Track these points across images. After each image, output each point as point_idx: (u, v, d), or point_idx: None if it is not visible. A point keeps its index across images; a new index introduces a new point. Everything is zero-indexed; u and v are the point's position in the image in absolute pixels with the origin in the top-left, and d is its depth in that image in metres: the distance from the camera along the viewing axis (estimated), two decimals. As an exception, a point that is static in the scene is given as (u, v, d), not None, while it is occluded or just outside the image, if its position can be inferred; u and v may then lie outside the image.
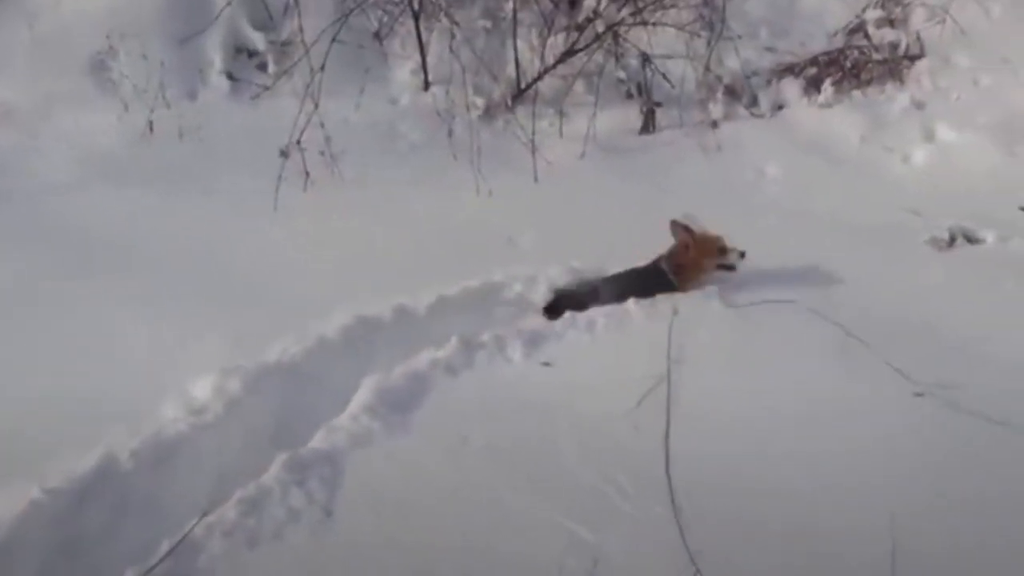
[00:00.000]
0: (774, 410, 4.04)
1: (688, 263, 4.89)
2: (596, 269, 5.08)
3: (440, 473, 3.71)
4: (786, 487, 3.59)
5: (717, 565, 3.23)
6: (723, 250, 4.85)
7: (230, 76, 7.22)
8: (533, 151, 6.25)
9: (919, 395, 4.13)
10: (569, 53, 7.08)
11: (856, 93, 7.16)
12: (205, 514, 3.38)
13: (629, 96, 7.26)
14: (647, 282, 4.86)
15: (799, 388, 4.18)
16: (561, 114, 6.94)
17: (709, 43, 7.13)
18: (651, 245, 5.31)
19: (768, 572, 3.26)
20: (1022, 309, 4.95)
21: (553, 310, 4.85)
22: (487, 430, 3.95)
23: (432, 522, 3.46)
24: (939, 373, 4.20)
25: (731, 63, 7.28)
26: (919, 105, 6.98)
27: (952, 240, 5.68)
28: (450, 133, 6.45)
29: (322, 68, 5.92)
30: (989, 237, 5.73)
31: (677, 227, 4.86)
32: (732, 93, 7.19)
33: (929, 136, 6.76)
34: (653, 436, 3.90)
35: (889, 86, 7.17)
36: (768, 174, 6.47)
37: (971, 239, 5.71)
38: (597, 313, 4.78)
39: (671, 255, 4.90)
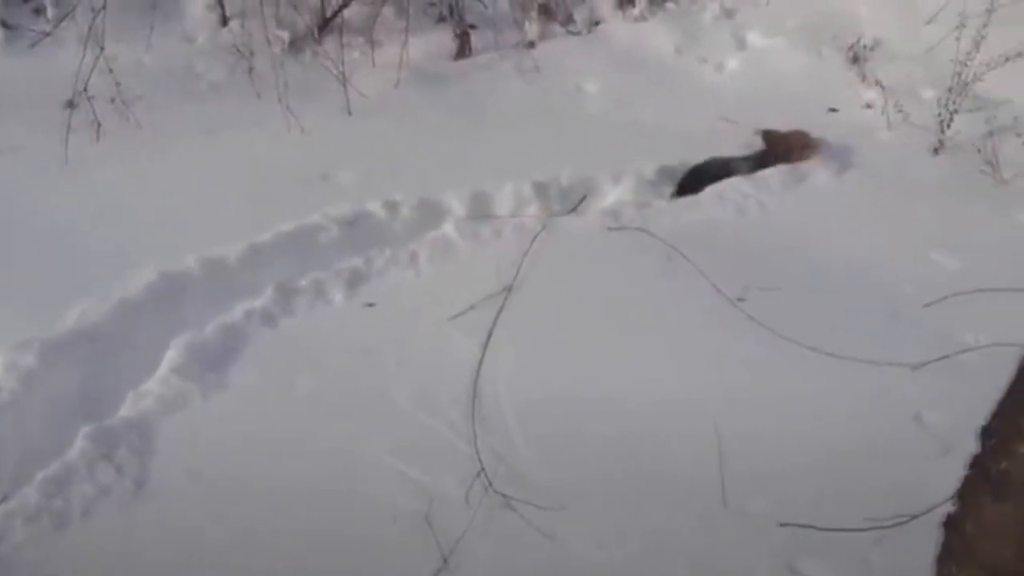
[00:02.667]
0: (602, 330, 4.05)
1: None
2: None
3: (264, 429, 3.54)
4: (612, 397, 3.63)
5: (535, 481, 3.27)
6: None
7: (3, 24, 6.57)
8: (344, 83, 5.96)
9: (741, 300, 4.23)
10: (375, -23, 6.75)
11: (670, 4, 7.12)
12: (4, 499, 3.14)
13: (442, 19, 6.98)
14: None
15: (629, 306, 4.20)
16: (372, 43, 6.61)
17: (517, -41, 6.94)
18: (473, 171, 5.21)
19: (595, 477, 3.30)
20: (834, 210, 5.13)
21: (688, 187, 5.36)
22: (312, 378, 3.80)
23: (256, 482, 3.28)
24: (758, 278, 4.32)
25: (544, -21, 7.13)
26: (729, 13, 7.01)
27: (765, 143, 5.76)
28: (251, 70, 6.07)
29: (103, 8, 5.44)
30: (804, 139, 5.84)
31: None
32: (547, 11, 7.02)
33: (741, 44, 6.82)
34: (485, 367, 3.84)
35: (701, -5, 7.20)
36: (587, 91, 6.39)
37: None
38: (420, 246, 4.66)
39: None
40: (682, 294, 4.30)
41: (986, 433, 1.89)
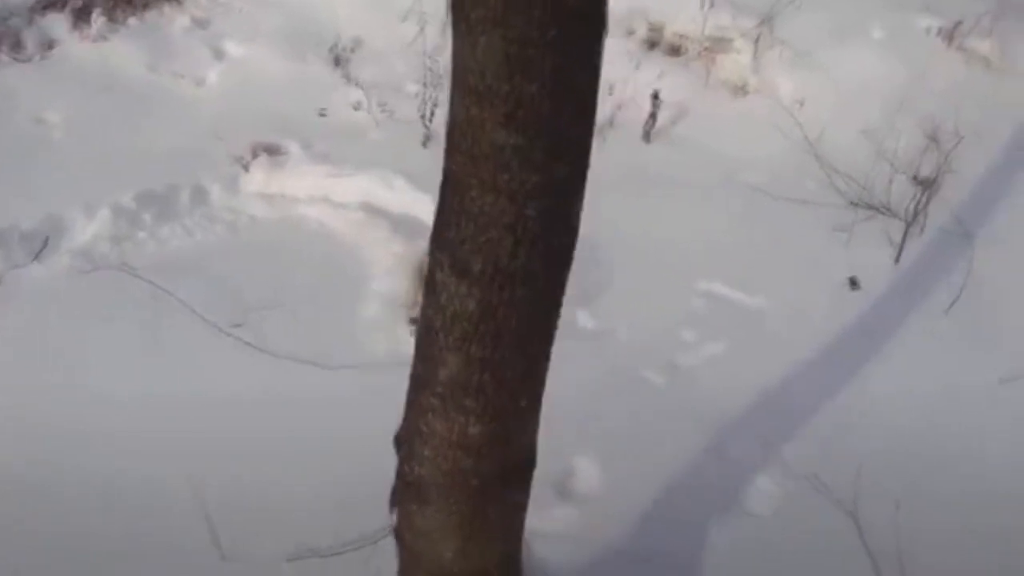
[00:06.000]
0: (78, 391, 3.61)
1: None
2: None
3: None
4: (89, 464, 3.25)
5: None
6: None
7: None
8: None
9: (238, 325, 4.01)
10: None
11: (133, 20, 6.56)
12: None
13: None
14: None
15: (111, 359, 3.83)
16: None
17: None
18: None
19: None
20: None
21: None
22: None
23: None
24: (257, 298, 4.17)
25: (-28, 5, 6.28)
26: (202, 23, 6.63)
27: (255, 156, 5.54)
28: None
29: None
30: (293, 147, 5.71)
31: None
32: (-13, 38, 6.21)
33: (219, 54, 6.48)
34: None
35: (168, 8, 6.68)
36: (49, 121, 5.69)
37: (274, 152, 5.64)
38: None
39: None
40: (175, 332, 3.98)
41: (398, 442, 1.81)
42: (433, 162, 5.51)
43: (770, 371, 4.00)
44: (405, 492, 1.83)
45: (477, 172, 1.53)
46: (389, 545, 2.70)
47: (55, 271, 4.35)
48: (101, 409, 3.50)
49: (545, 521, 2.79)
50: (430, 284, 1.66)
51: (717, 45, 6.55)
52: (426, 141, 5.86)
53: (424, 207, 5.12)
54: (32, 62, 6.21)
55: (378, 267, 4.69)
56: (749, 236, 4.90)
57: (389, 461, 3.23)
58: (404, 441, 1.79)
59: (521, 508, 1.88)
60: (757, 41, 6.37)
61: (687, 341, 4.27)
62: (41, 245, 4.48)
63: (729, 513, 3.27)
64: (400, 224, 5.05)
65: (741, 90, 6.34)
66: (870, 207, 4.97)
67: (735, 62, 6.45)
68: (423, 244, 4.65)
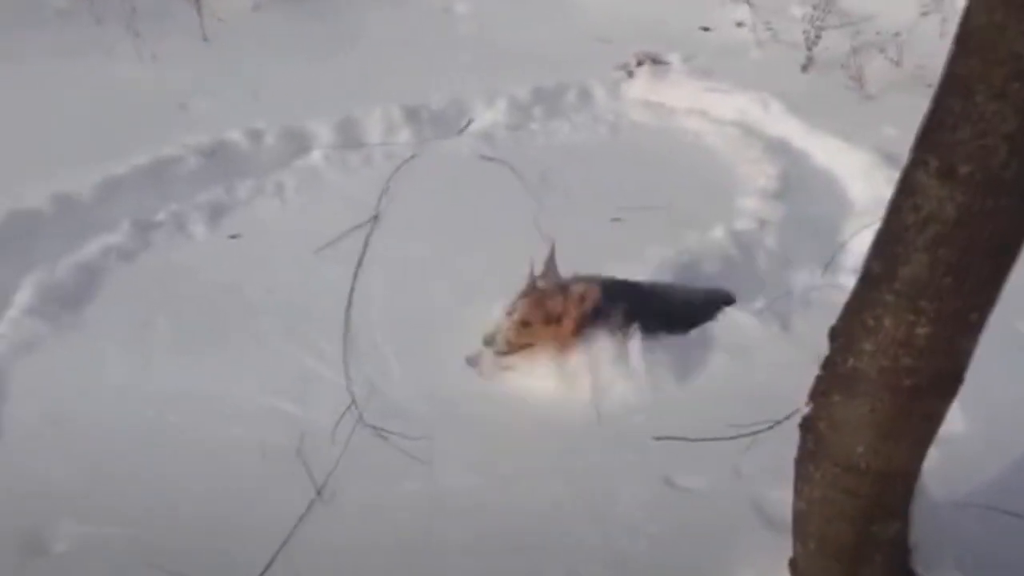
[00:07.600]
0: (473, 257, 3.96)
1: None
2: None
3: (121, 369, 3.34)
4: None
5: (408, 408, 3.18)
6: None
7: None
8: (198, 7, 5.66)
9: (616, 220, 4.22)
10: None
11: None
12: None
13: (303, -58, 6.72)
14: None
15: (499, 233, 4.08)
16: (226, -35, 6.32)
17: None
18: (340, 96, 5.04)
19: (467, 400, 3.21)
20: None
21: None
22: (174, 314, 3.61)
23: (115, 423, 3.10)
24: (634, 198, 4.31)
25: (412, -102, 6.87)
26: (591, -72, 6.92)
27: (639, 64, 5.74)
28: (96, -6, 5.73)
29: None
30: (674, 58, 5.85)
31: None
32: (411, -68, 6.80)
33: (605, -39, 6.76)
34: (356, 296, 3.73)
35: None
36: (457, 12, 6.26)
37: (657, 61, 5.81)
38: (285, 175, 4.53)
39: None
40: (555, 216, 4.26)
41: (834, 333, 1.91)
42: (812, 88, 5.51)
43: None
44: (833, 382, 1.92)
45: (988, 77, 1.55)
46: (768, 438, 2.83)
47: (459, 149, 4.80)
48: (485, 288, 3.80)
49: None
50: (907, 184, 1.72)
51: None
52: (806, 65, 5.79)
53: (798, 132, 5.13)
54: (447, -45, 6.80)
55: (748, 185, 4.73)
56: None
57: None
58: (843, 333, 1.89)
59: (938, 419, 1.92)
60: None
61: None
62: (465, 123, 5.00)
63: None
64: (772, 146, 5.08)
65: None
66: None
67: None
68: (794, 168, 4.75)
